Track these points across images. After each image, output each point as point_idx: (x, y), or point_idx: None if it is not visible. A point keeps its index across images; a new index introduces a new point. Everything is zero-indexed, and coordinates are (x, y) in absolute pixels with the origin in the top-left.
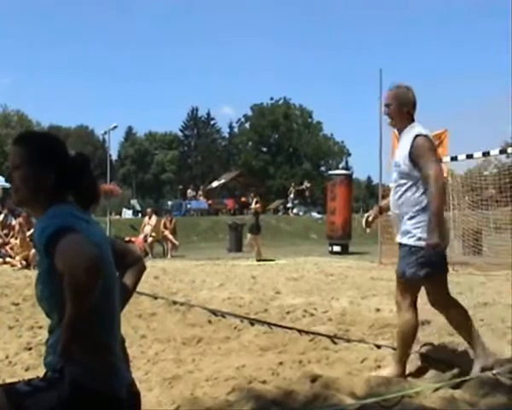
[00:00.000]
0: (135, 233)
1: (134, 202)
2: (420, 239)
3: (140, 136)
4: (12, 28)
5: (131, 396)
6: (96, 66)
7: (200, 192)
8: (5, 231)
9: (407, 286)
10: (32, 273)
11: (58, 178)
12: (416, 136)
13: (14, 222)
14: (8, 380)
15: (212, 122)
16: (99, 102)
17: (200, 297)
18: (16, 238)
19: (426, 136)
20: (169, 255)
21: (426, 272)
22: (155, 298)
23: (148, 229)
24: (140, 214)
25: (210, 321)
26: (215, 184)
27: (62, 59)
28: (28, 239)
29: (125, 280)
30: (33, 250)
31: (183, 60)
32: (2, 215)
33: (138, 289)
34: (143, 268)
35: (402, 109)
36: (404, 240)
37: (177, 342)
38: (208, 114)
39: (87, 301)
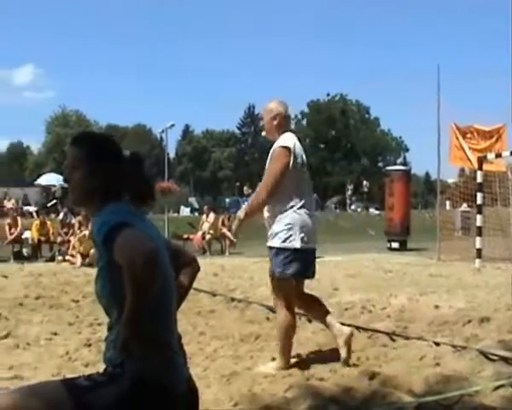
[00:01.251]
0: (193, 231)
1: (192, 199)
2: (285, 241)
3: (197, 134)
4: (70, 30)
5: (189, 392)
6: (153, 64)
7: (257, 189)
8: (65, 230)
9: (279, 285)
10: (92, 271)
11: (112, 177)
12: (275, 148)
13: (73, 220)
14: (68, 376)
15: None
16: (156, 100)
17: (259, 294)
18: (76, 236)
19: (283, 147)
20: (227, 253)
21: (292, 271)
22: (214, 295)
23: (206, 226)
24: (198, 212)
25: (268, 318)
26: None
27: (120, 58)
28: (87, 237)
29: (180, 280)
30: (93, 249)
31: (240, 56)
32: (62, 214)
33: (197, 286)
34: (198, 268)
35: (272, 122)
36: (272, 243)
37: (235, 339)
38: None
39: (146, 295)
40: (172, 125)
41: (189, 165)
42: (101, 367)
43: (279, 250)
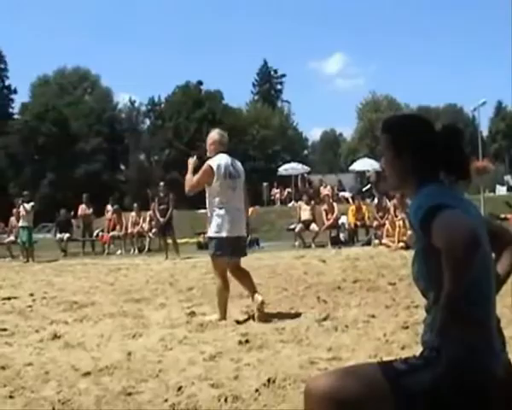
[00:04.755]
0: (510, 210)
1: (507, 177)
2: (213, 232)
3: (510, 110)
4: (376, 16)
5: (508, 378)
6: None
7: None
8: (380, 214)
9: (213, 263)
10: (408, 254)
11: (425, 156)
12: (206, 163)
13: (389, 204)
14: (385, 358)
15: None
16: (466, 78)
17: None
18: (391, 220)
19: (208, 165)
20: None
21: (214, 254)
22: None
23: None
24: None
25: None
26: None
27: (416, 39)
28: (403, 220)
29: (502, 261)
30: (409, 231)
31: None
32: (377, 198)
33: None
34: None
35: (211, 146)
36: (208, 233)
37: None
38: None
39: (465, 277)
40: (484, 103)
41: (503, 142)
42: (417, 350)
43: (211, 238)
